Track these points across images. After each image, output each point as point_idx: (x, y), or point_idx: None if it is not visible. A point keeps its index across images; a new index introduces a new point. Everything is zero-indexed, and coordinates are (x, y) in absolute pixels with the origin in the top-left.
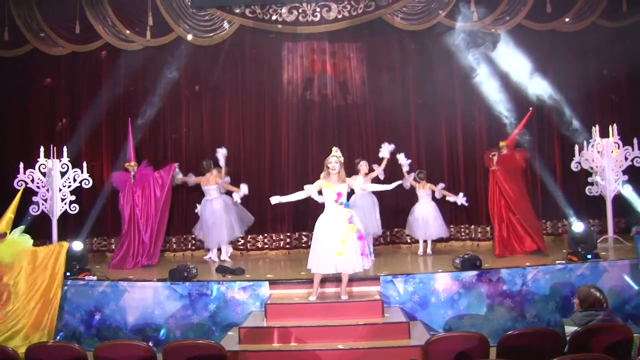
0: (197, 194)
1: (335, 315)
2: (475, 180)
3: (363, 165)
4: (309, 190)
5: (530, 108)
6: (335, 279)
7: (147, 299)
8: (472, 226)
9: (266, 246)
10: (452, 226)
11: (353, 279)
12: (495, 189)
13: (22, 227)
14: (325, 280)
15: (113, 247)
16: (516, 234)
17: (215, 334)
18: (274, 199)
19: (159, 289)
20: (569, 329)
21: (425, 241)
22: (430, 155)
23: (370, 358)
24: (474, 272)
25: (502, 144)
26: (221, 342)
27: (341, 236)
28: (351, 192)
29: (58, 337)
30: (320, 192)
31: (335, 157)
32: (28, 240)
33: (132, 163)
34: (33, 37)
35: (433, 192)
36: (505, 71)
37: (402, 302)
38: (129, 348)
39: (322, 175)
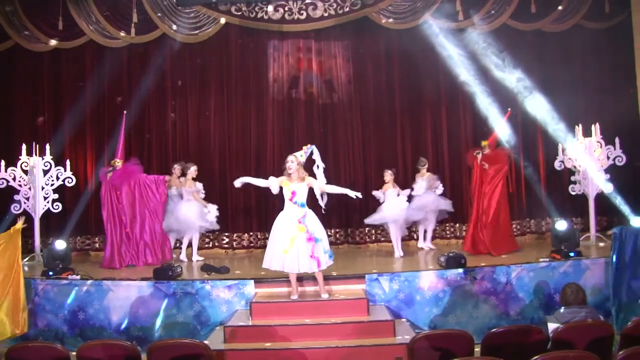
0: None
1: (321, 314)
2: (461, 179)
3: (424, 169)
4: (271, 182)
5: (509, 109)
6: (314, 277)
7: (131, 298)
8: (457, 224)
9: (252, 245)
10: (437, 225)
11: (338, 278)
12: (481, 187)
13: None
14: (303, 279)
15: (97, 245)
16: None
17: (200, 332)
18: (238, 182)
19: (144, 288)
20: (552, 326)
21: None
22: (416, 154)
23: (356, 356)
24: (459, 270)
25: (484, 143)
26: (206, 341)
27: (291, 234)
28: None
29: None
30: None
31: (293, 157)
32: None
33: (118, 160)
34: (15, 33)
35: None
36: (490, 69)
37: (387, 300)
38: (113, 348)
39: (284, 172)
